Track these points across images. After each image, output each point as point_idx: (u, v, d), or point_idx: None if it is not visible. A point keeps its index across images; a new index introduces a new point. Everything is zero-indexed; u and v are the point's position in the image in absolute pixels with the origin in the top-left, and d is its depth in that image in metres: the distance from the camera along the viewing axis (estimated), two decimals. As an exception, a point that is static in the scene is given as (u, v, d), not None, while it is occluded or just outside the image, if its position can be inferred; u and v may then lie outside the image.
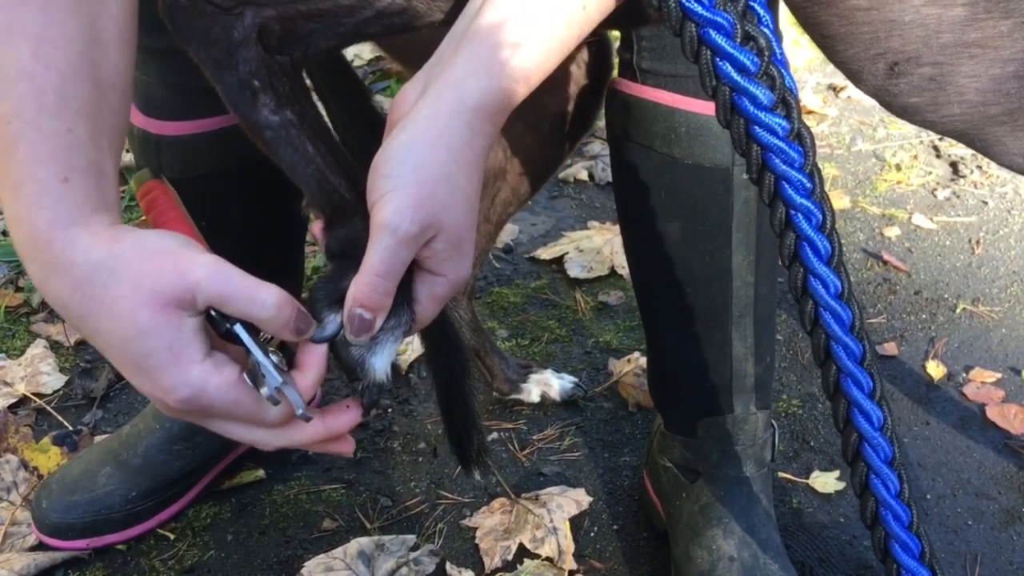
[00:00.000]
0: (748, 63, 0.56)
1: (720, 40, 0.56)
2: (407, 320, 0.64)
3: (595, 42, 1.04)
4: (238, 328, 0.61)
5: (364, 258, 0.61)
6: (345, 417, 0.65)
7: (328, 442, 0.66)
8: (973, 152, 2.16)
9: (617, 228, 1.83)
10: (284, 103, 0.65)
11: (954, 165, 2.12)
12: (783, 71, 0.57)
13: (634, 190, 0.99)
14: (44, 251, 0.59)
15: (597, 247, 1.77)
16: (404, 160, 0.61)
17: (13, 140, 0.58)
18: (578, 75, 1.05)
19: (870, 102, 2.45)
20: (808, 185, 0.59)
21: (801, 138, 0.58)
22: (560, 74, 1.04)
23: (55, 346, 1.51)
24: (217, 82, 0.65)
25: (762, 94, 0.57)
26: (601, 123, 2.35)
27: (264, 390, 0.61)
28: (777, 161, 0.58)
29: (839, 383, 0.63)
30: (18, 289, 1.63)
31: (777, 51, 0.57)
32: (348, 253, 0.64)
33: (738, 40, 0.56)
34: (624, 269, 1.72)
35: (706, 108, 0.90)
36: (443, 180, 0.61)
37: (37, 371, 1.44)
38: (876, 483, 0.64)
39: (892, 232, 1.86)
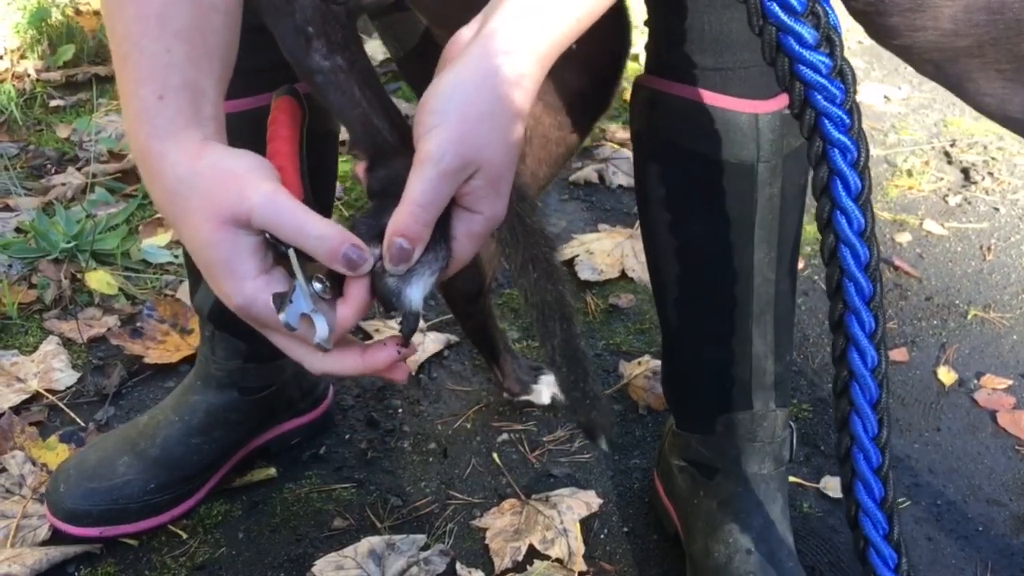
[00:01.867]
0: (795, 3, 0.58)
1: None
2: (444, 255, 0.67)
3: (614, 21, 1.04)
4: (291, 252, 0.65)
5: (405, 190, 0.64)
6: (382, 354, 0.68)
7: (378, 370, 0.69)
8: (985, 159, 2.16)
9: (627, 231, 1.84)
10: (335, 49, 0.68)
11: (965, 171, 2.11)
12: (827, 8, 0.59)
13: (656, 185, 0.99)
14: (144, 161, 0.66)
15: (607, 250, 1.77)
16: (451, 97, 0.64)
17: (123, 60, 0.66)
18: (597, 53, 1.05)
19: (881, 107, 2.44)
20: (847, 121, 0.60)
21: (843, 75, 0.59)
22: (580, 51, 1.04)
23: (68, 343, 1.51)
24: (275, 28, 0.68)
25: (807, 33, 0.58)
26: (611, 127, 2.34)
27: (282, 316, 0.64)
28: (819, 98, 0.60)
29: (843, 318, 0.64)
30: (31, 286, 1.64)
31: None
32: (388, 192, 0.67)
33: None
34: (634, 272, 1.72)
35: (732, 104, 0.90)
36: (487, 118, 0.64)
37: (50, 367, 1.45)
38: (855, 421, 0.65)
39: (903, 238, 1.85)
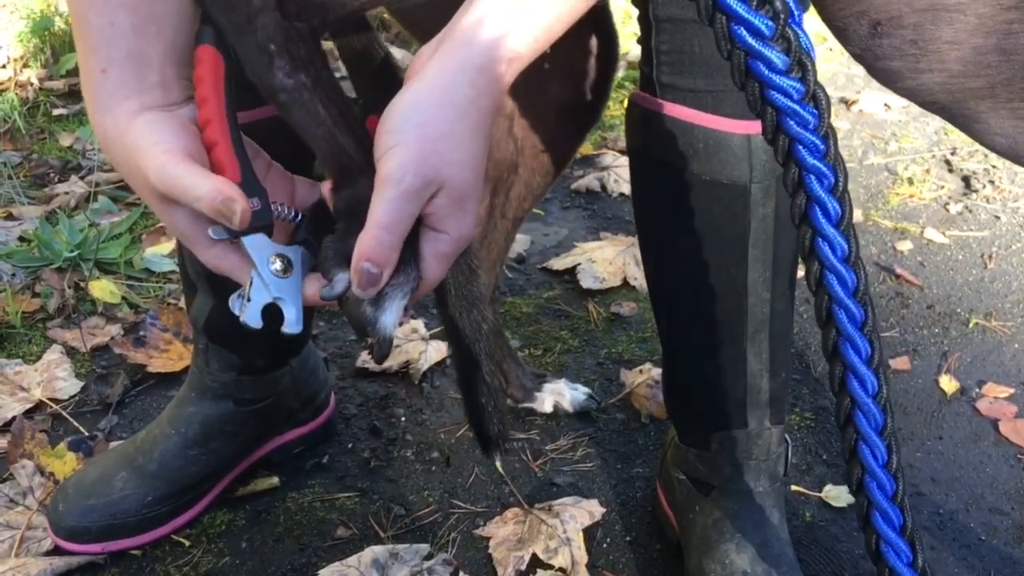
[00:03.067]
0: (763, 27, 0.57)
1: (735, 5, 0.56)
2: (415, 277, 0.66)
3: (602, 33, 1.04)
4: (242, 240, 0.66)
5: (369, 213, 0.63)
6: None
7: None
8: (985, 167, 2.16)
9: (629, 239, 1.84)
10: (299, 67, 0.67)
11: (966, 179, 2.12)
12: (799, 32, 0.57)
13: (651, 204, 0.99)
14: (96, 135, 0.69)
15: (609, 258, 1.78)
16: (408, 117, 0.64)
17: (77, 34, 0.68)
18: (584, 66, 1.05)
19: (882, 116, 2.45)
20: (821, 147, 0.59)
21: (816, 100, 0.58)
22: (566, 64, 1.05)
23: (71, 352, 1.52)
24: (236, 46, 0.68)
25: (776, 57, 0.57)
26: (611, 135, 2.35)
27: (243, 318, 0.66)
28: (791, 123, 0.58)
29: (838, 346, 0.62)
30: (35, 295, 1.64)
31: (795, 13, 0.57)
32: (354, 212, 0.66)
33: (753, 4, 0.56)
34: (636, 280, 1.72)
35: (725, 125, 0.90)
36: (446, 137, 0.63)
37: (53, 376, 1.45)
38: (864, 451, 0.64)
39: (904, 246, 1.86)
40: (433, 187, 0.64)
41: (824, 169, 0.59)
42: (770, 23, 0.56)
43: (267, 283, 0.66)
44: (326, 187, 0.70)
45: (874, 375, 0.62)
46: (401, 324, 1.58)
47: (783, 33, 0.57)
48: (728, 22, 0.57)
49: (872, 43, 0.60)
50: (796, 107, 0.58)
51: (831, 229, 0.60)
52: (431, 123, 0.63)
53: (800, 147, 0.59)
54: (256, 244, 0.66)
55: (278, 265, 0.66)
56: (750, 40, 0.57)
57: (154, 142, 0.66)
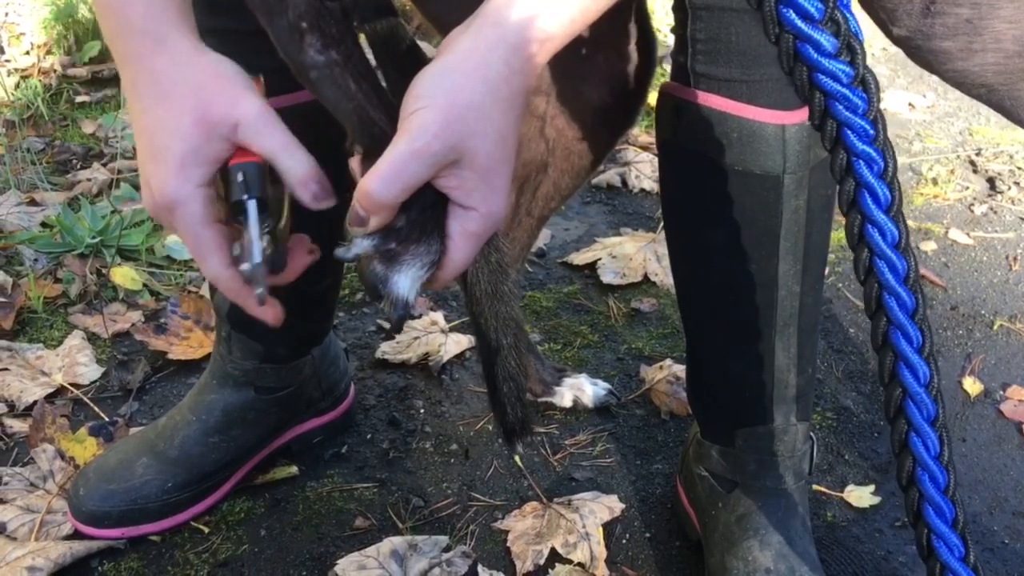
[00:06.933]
0: (812, 10, 0.56)
1: None
2: (436, 250, 0.66)
3: (640, 37, 1.04)
4: (250, 204, 0.68)
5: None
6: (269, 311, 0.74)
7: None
8: (1011, 168, 2.14)
9: (650, 235, 1.83)
10: (330, 44, 0.68)
11: (991, 181, 2.10)
12: (848, 15, 0.57)
13: (682, 195, 0.98)
14: (132, 36, 0.69)
15: (630, 254, 1.77)
16: (438, 83, 0.63)
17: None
18: (622, 69, 1.05)
19: (906, 115, 2.43)
20: (871, 132, 0.58)
21: (865, 84, 0.57)
22: (603, 68, 1.04)
23: (92, 338, 1.52)
24: (268, 27, 0.68)
25: (826, 40, 0.56)
26: (633, 131, 2.34)
27: (244, 266, 0.69)
28: (840, 108, 0.58)
29: (888, 335, 0.61)
30: (56, 280, 1.65)
31: None
32: None
33: None
34: (657, 276, 1.71)
35: (759, 115, 0.90)
36: (475, 108, 0.62)
37: (74, 362, 1.46)
38: (916, 442, 0.62)
39: (928, 247, 1.84)
40: (453, 155, 0.62)
41: (874, 154, 0.58)
42: (819, 5, 0.56)
43: (255, 248, 0.69)
44: (355, 160, 0.70)
45: (926, 364, 0.61)
46: (420, 316, 1.58)
47: (832, 16, 0.56)
48: (776, 4, 0.56)
49: (924, 23, 0.59)
50: (845, 91, 0.57)
51: (881, 215, 0.59)
52: (461, 91, 0.62)
53: (849, 132, 0.58)
54: (255, 210, 0.69)
55: (265, 243, 0.69)
56: (799, 23, 0.56)
57: (245, 85, 0.69)
